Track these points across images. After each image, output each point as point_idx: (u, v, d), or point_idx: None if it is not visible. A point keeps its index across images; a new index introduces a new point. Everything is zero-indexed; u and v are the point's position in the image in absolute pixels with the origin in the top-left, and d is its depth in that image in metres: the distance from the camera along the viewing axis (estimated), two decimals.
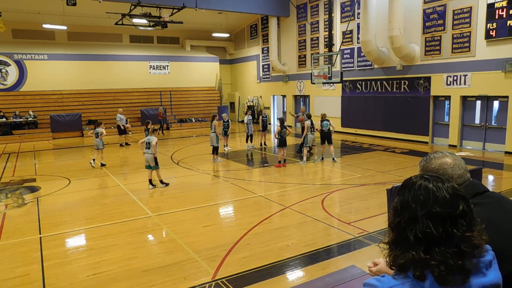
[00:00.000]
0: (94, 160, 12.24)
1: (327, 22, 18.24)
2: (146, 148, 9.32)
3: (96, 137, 12.18)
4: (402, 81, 16.01)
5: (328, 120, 12.07)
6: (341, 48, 18.07)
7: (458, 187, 1.26)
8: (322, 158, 12.36)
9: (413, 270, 1.17)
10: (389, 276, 1.24)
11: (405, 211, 1.23)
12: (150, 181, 9.44)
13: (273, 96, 24.99)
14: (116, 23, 18.84)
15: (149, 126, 12.10)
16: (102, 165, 12.22)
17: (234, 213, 7.69)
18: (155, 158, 9.27)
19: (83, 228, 6.72)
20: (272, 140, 16.79)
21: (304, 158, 12.04)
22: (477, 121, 14.02)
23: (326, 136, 12.04)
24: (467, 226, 1.18)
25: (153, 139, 9.25)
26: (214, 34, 25.62)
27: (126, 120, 20.43)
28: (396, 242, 1.23)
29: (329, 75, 16.17)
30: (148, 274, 4.86)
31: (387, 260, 1.26)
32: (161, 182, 9.46)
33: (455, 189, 1.23)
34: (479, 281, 1.16)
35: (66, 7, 17.74)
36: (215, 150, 12.67)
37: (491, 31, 12.61)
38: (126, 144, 16.86)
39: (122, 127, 16.81)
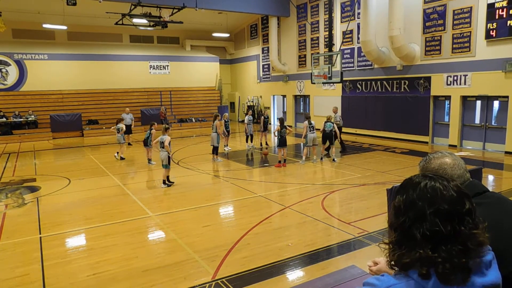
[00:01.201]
0: (118, 153, 13.45)
1: (327, 22, 18.24)
2: (160, 147, 9.48)
3: (117, 132, 13.36)
4: (402, 81, 16.00)
5: (332, 122, 12.09)
6: (341, 48, 18.06)
7: (461, 186, 1.27)
8: (322, 158, 12.37)
9: (419, 268, 1.16)
10: (388, 275, 1.24)
11: (410, 210, 1.22)
12: (165, 180, 9.53)
13: (273, 96, 24.99)
14: (116, 23, 18.83)
15: (152, 127, 12.09)
16: (122, 158, 13.27)
17: (234, 213, 7.69)
18: (169, 158, 9.39)
19: (83, 228, 6.72)
20: (272, 140, 16.79)
21: (303, 158, 12.06)
22: (477, 121, 14.02)
23: (328, 137, 12.08)
24: (473, 223, 1.19)
25: (166, 138, 9.41)
26: (214, 34, 25.62)
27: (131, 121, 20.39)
28: (401, 241, 1.22)
29: (329, 75, 16.18)
30: (148, 274, 4.86)
31: (389, 260, 1.25)
32: (164, 182, 9.47)
33: (459, 188, 1.25)
34: (479, 281, 1.16)
35: (66, 7, 17.73)
36: (215, 150, 12.69)
37: (491, 31, 12.60)
38: (129, 144, 16.83)
39: (132, 125, 16.90)
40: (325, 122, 12.10)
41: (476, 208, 1.23)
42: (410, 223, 1.20)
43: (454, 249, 1.15)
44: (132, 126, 17.13)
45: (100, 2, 16.16)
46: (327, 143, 12.24)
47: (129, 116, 17.01)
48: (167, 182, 9.50)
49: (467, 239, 1.16)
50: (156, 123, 12.45)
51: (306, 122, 11.78)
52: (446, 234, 1.15)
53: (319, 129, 12.64)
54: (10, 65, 20.88)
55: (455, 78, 14.02)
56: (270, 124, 18.04)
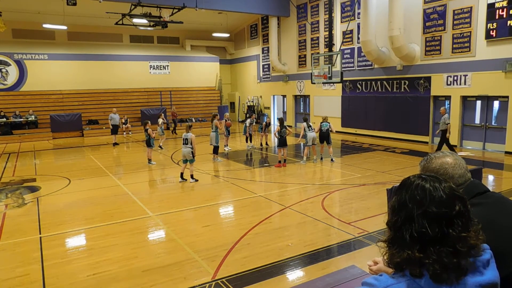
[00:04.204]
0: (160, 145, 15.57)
1: (327, 22, 18.25)
2: (183, 143, 9.87)
3: (157, 126, 15.84)
4: (402, 81, 16.00)
5: (328, 122, 12.21)
6: (341, 48, 18.06)
7: (455, 187, 1.26)
8: (321, 158, 12.39)
9: (410, 268, 1.18)
10: (386, 275, 1.24)
11: (402, 210, 1.24)
12: (182, 175, 9.90)
13: (273, 96, 24.98)
14: (116, 23, 18.83)
15: (147, 127, 12.24)
16: (160, 147, 15.35)
17: (234, 213, 7.69)
18: (193, 152, 9.79)
19: (83, 228, 6.72)
20: (272, 140, 16.80)
21: (304, 158, 12.08)
22: (477, 121, 14.02)
23: (324, 137, 12.15)
24: (463, 226, 1.18)
25: (191, 135, 9.87)
26: (214, 34, 25.61)
27: (126, 120, 20.45)
28: (393, 240, 1.24)
29: (329, 75, 16.18)
30: (148, 274, 4.86)
31: (385, 258, 1.27)
32: (191, 177, 9.86)
33: (452, 190, 1.23)
34: (476, 280, 1.16)
35: (66, 7, 17.73)
36: (215, 149, 12.72)
37: (491, 31, 12.60)
38: (116, 144, 16.91)
39: (123, 126, 17.02)
40: (321, 122, 12.22)
41: (470, 210, 1.22)
42: (401, 223, 1.22)
43: (443, 250, 1.15)
44: (126, 126, 17.28)
45: (100, 2, 16.17)
46: (324, 143, 12.33)
47: (116, 116, 17.23)
48: (194, 177, 9.94)
49: (456, 242, 1.16)
50: (149, 122, 12.64)
51: (305, 124, 11.91)
52: (433, 236, 1.16)
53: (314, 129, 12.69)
54: (10, 65, 20.87)
55: (455, 78, 14.02)
56: (270, 124, 17.91)
